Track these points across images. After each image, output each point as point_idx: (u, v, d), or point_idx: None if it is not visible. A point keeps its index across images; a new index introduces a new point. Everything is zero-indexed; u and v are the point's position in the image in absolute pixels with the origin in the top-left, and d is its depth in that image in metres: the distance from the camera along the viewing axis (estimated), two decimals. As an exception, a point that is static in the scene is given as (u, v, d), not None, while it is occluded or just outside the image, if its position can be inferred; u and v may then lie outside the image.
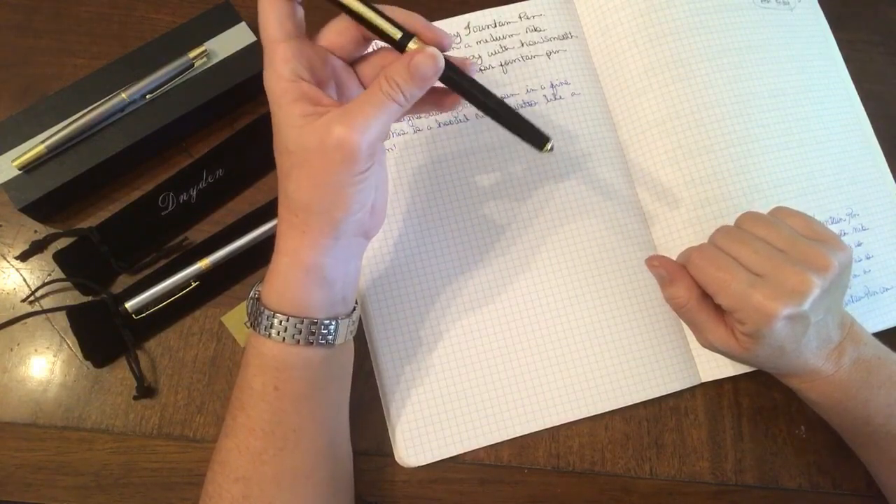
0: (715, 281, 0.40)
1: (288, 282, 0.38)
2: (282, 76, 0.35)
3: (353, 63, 0.40)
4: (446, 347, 0.47)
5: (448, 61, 0.37)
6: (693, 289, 0.42)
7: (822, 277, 0.38)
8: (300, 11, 0.37)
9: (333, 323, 0.38)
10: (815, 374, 0.42)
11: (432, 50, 0.35)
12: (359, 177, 0.35)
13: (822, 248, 0.39)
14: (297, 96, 0.35)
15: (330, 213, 0.36)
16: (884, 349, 0.43)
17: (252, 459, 0.38)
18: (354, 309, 0.41)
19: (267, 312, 0.38)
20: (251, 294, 0.40)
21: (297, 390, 0.38)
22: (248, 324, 0.39)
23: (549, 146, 0.39)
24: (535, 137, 0.39)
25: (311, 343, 0.38)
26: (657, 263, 0.44)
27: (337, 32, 0.38)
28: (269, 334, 0.37)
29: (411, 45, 0.36)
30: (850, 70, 0.56)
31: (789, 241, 0.39)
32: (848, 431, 0.44)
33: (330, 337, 0.38)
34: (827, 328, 0.41)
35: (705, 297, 0.42)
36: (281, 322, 0.37)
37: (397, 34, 0.36)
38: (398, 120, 0.39)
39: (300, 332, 0.37)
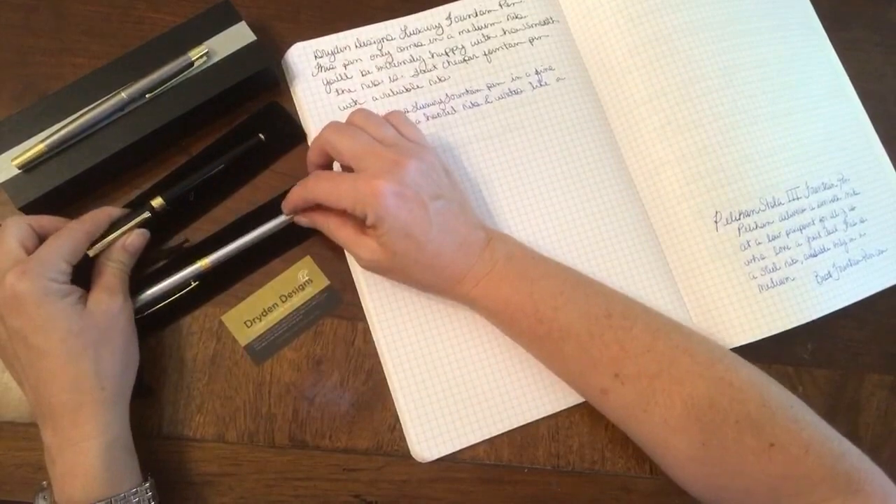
0: (330, 192, 0.43)
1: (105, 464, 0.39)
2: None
3: None
4: (451, 339, 0.47)
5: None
6: (328, 213, 0.45)
7: (414, 159, 0.43)
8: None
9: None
10: (474, 273, 0.44)
11: (137, 232, 0.45)
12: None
13: (411, 144, 0.45)
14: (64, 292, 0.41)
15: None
16: (530, 249, 0.47)
17: None
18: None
19: None
20: None
21: None
22: None
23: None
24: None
25: None
26: (299, 216, 0.47)
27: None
28: None
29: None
30: (849, 69, 0.56)
31: (386, 137, 0.44)
32: (526, 336, 0.46)
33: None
34: (456, 221, 0.44)
35: (344, 217, 0.45)
36: None
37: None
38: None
39: None
